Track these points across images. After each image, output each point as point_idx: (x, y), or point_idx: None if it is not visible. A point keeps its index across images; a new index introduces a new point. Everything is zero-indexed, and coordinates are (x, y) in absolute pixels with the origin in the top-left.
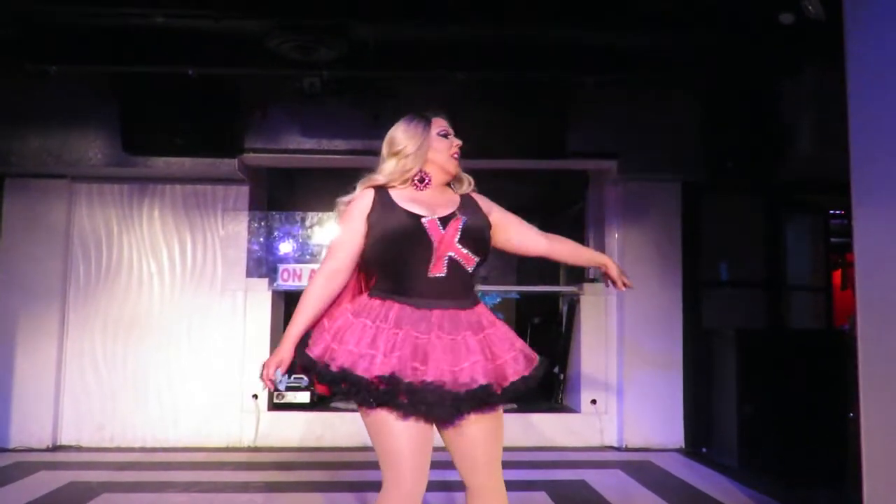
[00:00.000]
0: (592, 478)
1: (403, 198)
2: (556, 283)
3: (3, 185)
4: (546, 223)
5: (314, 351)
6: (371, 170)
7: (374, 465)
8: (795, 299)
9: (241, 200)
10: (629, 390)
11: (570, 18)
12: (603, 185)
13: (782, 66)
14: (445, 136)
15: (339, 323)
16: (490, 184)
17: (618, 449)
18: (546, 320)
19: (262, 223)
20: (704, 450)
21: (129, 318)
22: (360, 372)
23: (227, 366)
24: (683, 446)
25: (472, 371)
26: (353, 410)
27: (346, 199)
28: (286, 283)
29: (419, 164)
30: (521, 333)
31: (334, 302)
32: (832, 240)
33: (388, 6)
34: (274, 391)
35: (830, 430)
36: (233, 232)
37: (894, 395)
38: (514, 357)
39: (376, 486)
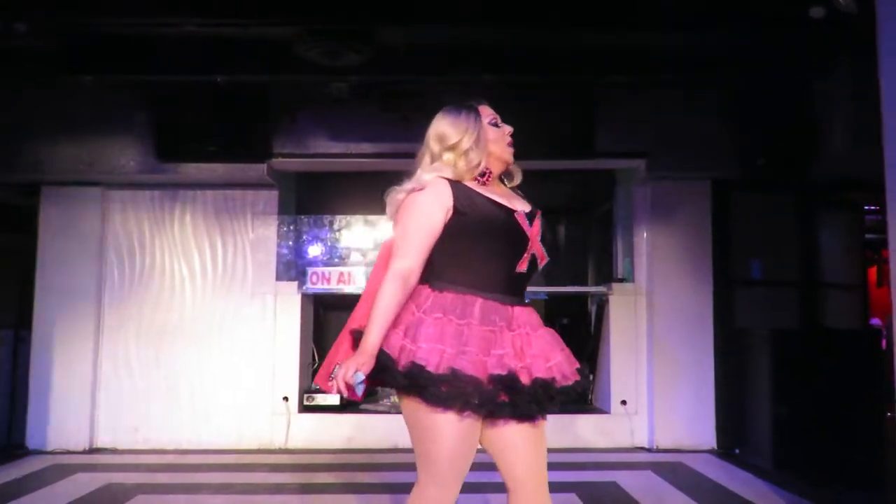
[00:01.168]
0: (623, 479)
1: (480, 191)
2: (585, 284)
3: (39, 192)
4: (574, 223)
5: (390, 351)
6: (405, 172)
7: (404, 467)
8: (830, 297)
9: (271, 204)
10: (660, 390)
11: (600, 19)
12: (631, 185)
13: (814, 62)
14: (496, 124)
15: (409, 320)
16: (525, 184)
17: (649, 450)
18: (575, 321)
19: (291, 227)
20: (737, 451)
21: (162, 322)
22: (471, 372)
23: (257, 368)
24: (715, 447)
25: (560, 367)
26: (383, 412)
27: (407, 186)
28: (315, 286)
29: (483, 157)
30: None
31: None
32: (867, 236)
33: (416, 9)
34: (346, 398)
35: (867, 430)
36: (262, 236)
37: None
38: (567, 356)
39: (407, 488)
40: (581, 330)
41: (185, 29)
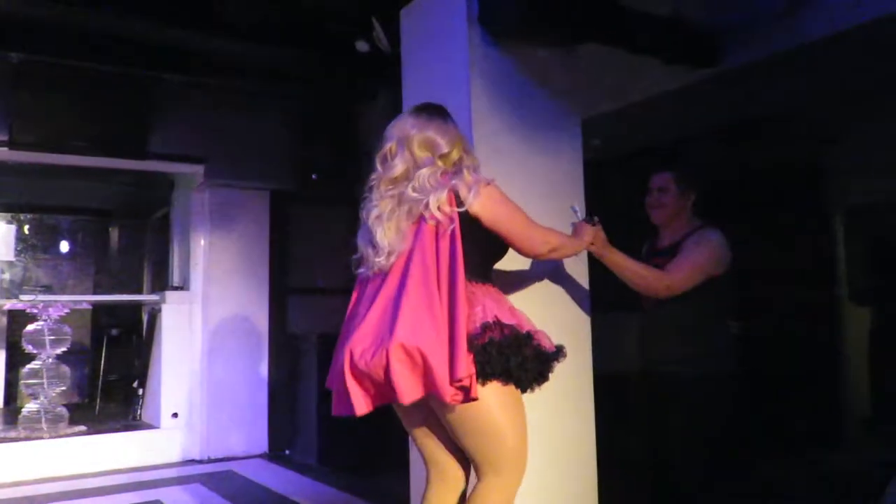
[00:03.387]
0: (169, 496)
1: None
2: (140, 292)
3: None
4: (129, 227)
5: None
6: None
7: None
8: None
9: None
10: (213, 400)
11: (155, 13)
12: (189, 190)
13: (364, 88)
14: None
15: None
16: (69, 182)
17: (200, 462)
18: (127, 331)
19: None
20: (288, 452)
21: None
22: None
23: None
24: (267, 451)
25: None
26: None
27: (472, 180)
28: None
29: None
30: (97, 346)
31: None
32: None
33: None
34: None
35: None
36: None
37: None
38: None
39: None
40: (133, 341)
41: None
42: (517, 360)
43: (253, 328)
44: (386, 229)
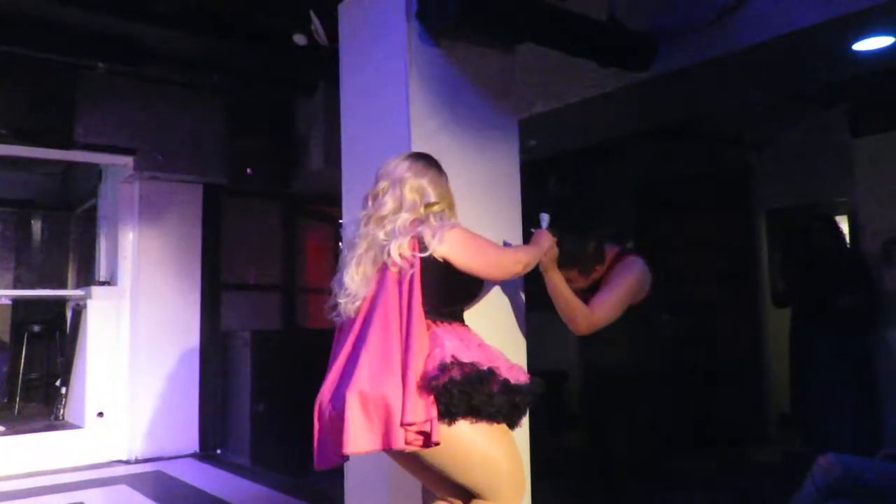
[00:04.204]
0: (93, 498)
1: None
2: (64, 287)
3: None
4: (53, 219)
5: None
6: None
7: None
8: (313, 301)
9: None
10: (142, 399)
11: None
12: (118, 182)
13: (301, 83)
14: None
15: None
16: None
17: (127, 462)
18: (50, 328)
19: None
20: (219, 451)
21: None
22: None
23: None
24: (198, 450)
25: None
26: None
27: (436, 224)
28: None
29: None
30: (18, 343)
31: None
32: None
33: None
34: None
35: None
36: None
37: None
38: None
39: None
40: (56, 338)
41: None
42: (481, 397)
43: (183, 324)
44: (353, 273)
